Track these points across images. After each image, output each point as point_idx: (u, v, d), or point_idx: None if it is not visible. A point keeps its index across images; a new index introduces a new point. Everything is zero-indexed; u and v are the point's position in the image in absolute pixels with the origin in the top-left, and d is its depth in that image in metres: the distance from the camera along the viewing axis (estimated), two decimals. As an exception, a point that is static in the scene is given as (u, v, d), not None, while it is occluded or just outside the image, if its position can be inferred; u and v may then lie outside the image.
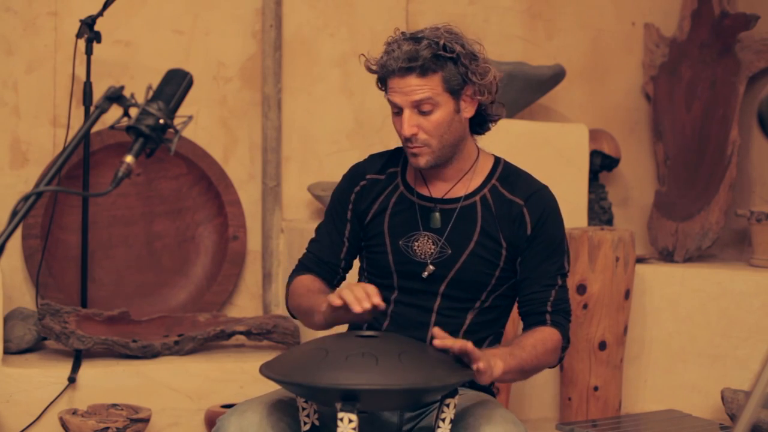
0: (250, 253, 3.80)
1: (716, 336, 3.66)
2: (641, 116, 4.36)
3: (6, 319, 3.34)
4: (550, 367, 2.31)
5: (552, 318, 2.27)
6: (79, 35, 3.41)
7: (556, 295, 2.28)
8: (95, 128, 3.46)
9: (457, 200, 2.30)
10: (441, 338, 2.04)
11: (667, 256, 3.99)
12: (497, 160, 2.37)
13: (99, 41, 3.40)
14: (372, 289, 2.07)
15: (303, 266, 2.41)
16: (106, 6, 3.37)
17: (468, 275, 2.27)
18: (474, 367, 2.01)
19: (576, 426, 3.23)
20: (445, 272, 2.28)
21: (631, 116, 4.34)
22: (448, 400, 2.04)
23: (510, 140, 3.63)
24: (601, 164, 4.05)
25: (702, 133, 4.11)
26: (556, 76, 3.81)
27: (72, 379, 3.18)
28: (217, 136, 3.78)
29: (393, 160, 2.39)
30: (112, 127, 1.77)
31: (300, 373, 1.94)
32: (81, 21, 3.38)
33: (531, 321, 2.29)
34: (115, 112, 1.77)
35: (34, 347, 3.42)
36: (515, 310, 2.37)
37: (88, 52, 3.39)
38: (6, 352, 3.29)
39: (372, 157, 2.43)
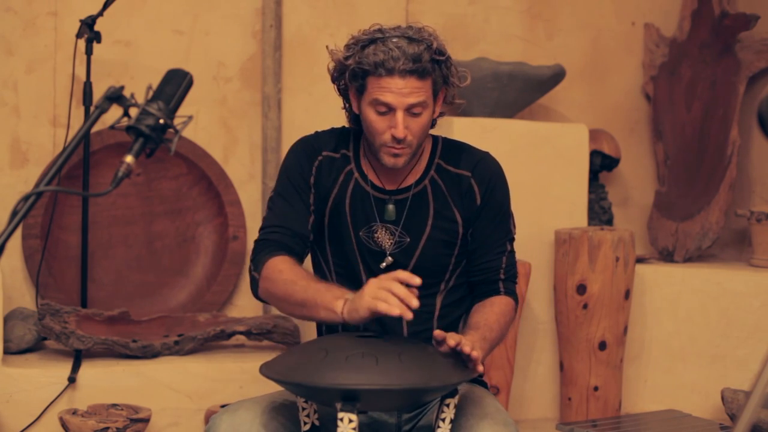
0: (250, 253, 3.79)
1: (716, 336, 3.66)
2: (641, 116, 4.36)
3: (6, 319, 3.34)
4: None
5: (505, 285, 2.32)
6: (79, 35, 3.40)
7: (506, 261, 2.34)
8: (95, 128, 3.46)
9: (408, 189, 2.30)
10: (441, 337, 2.04)
11: (667, 256, 3.99)
12: (435, 139, 2.37)
13: (99, 41, 3.40)
14: (402, 290, 1.96)
15: (274, 244, 2.28)
16: (106, 6, 3.37)
17: (429, 260, 2.28)
18: (478, 369, 2.03)
19: (576, 426, 3.23)
20: (406, 260, 2.28)
21: (631, 116, 4.34)
22: (448, 400, 2.04)
23: (510, 140, 3.63)
24: (601, 164, 4.05)
25: (702, 133, 4.11)
26: (556, 76, 3.81)
27: (72, 379, 3.18)
28: (217, 136, 3.78)
29: (343, 142, 2.36)
30: (112, 127, 1.77)
31: (300, 373, 1.94)
32: (81, 21, 3.38)
33: (484, 290, 2.33)
34: (115, 112, 1.77)
35: (34, 347, 3.41)
36: None
37: (88, 52, 3.39)
38: (6, 352, 3.29)
39: (319, 134, 2.38)
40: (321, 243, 2.35)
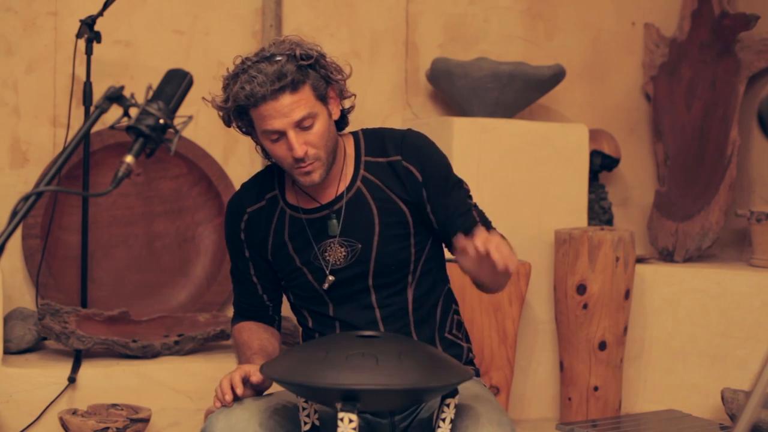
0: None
1: (716, 336, 3.66)
2: (641, 116, 4.36)
3: (6, 319, 3.34)
4: (495, 290, 2.25)
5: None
6: (79, 35, 3.40)
7: (478, 215, 2.27)
8: (95, 128, 3.46)
9: (341, 197, 2.27)
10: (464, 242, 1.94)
11: (667, 256, 4.00)
12: (356, 136, 2.34)
13: (99, 41, 3.40)
14: (237, 378, 2.13)
15: (236, 314, 2.45)
16: (106, 6, 3.37)
17: (388, 258, 2.26)
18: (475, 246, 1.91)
19: (576, 426, 3.23)
20: (365, 266, 2.26)
21: (631, 116, 4.34)
22: (448, 400, 2.04)
23: (510, 140, 3.63)
24: (601, 164, 4.05)
25: (702, 133, 4.11)
26: (556, 76, 3.81)
27: (72, 379, 3.18)
28: (217, 136, 3.78)
29: (267, 185, 2.37)
30: (112, 127, 1.77)
31: (300, 373, 1.94)
32: (81, 21, 3.38)
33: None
34: (115, 112, 1.77)
35: (34, 347, 3.42)
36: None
37: (88, 52, 3.39)
38: (6, 352, 3.29)
39: (244, 186, 2.42)
40: (281, 289, 2.40)
